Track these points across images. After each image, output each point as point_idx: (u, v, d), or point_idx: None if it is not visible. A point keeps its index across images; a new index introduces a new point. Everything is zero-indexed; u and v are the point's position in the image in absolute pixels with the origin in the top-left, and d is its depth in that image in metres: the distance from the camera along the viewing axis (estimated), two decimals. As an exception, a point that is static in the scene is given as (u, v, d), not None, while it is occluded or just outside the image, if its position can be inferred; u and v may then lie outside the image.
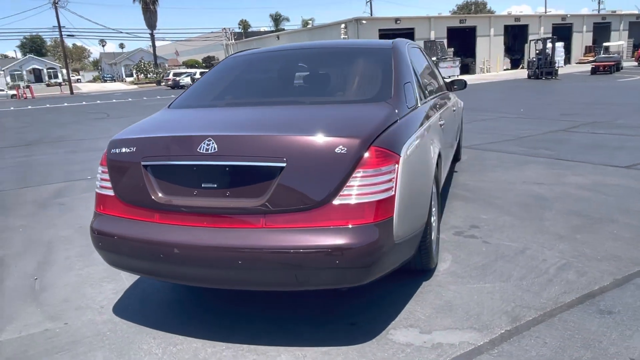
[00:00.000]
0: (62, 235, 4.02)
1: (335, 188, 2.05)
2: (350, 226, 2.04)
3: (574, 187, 4.54)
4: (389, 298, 2.64)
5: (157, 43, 64.02)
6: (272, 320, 2.48)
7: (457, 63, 32.29)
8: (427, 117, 2.90)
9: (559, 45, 28.39)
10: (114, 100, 28.35)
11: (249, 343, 2.28)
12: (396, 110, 2.49)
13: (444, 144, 3.34)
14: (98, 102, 28.29)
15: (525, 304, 2.49)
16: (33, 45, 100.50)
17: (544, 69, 24.44)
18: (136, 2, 55.52)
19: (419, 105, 2.94)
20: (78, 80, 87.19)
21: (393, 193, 2.13)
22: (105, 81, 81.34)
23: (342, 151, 2.07)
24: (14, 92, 49.60)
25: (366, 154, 2.09)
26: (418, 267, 2.79)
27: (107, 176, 2.43)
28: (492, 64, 36.30)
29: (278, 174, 2.08)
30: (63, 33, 50.93)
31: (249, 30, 74.10)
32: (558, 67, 25.58)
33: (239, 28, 76.98)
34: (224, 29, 48.59)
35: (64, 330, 2.50)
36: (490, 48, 36.13)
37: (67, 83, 50.82)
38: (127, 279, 3.03)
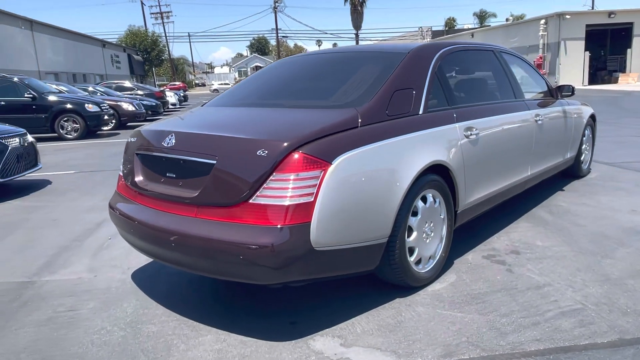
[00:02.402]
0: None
1: (254, 188, 2.16)
2: (260, 225, 2.13)
3: (692, 225, 3.60)
4: (348, 304, 2.61)
5: (361, 42, 67.42)
6: (230, 306, 2.68)
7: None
8: (424, 126, 2.71)
9: None
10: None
11: (194, 319, 2.53)
12: (360, 119, 2.43)
13: (472, 158, 3.03)
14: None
15: (476, 342, 2.21)
16: (259, 46, 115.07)
17: None
18: (347, 4, 58.83)
19: (421, 113, 2.77)
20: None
21: (312, 199, 2.14)
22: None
23: (263, 154, 2.16)
24: (235, 85, 57.94)
25: (286, 159, 2.14)
26: (392, 282, 2.68)
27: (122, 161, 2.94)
28: None
29: (210, 170, 2.28)
30: (279, 35, 57.42)
31: (455, 27, 72.44)
32: None
33: (444, 27, 75.78)
34: (420, 28, 48.53)
35: (89, 280, 3.10)
36: None
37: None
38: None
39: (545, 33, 27.84)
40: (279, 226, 2.11)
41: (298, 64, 3.45)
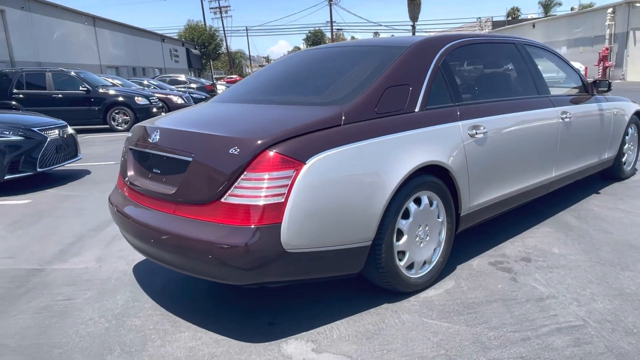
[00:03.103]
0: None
1: (225, 187, 2.13)
2: (229, 225, 2.10)
3: None
4: (333, 307, 2.53)
5: (417, 34, 65.84)
6: (218, 304, 2.67)
7: None
8: (419, 125, 2.57)
9: None
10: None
11: (178, 315, 2.54)
12: (343, 116, 2.34)
13: (478, 158, 2.85)
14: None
15: (455, 355, 2.08)
16: (315, 39, 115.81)
17: None
18: (405, -6, 57.36)
19: (417, 110, 2.63)
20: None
21: (283, 200, 2.08)
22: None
23: (235, 152, 2.12)
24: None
25: (258, 157, 2.09)
26: (381, 286, 2.58)
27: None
28: None
29: (187, 167, 2.27)
30: (334, 27, 57.22)
31: (519, 17, 69.51)
32: None
33: (505, 17, 72.85)
34: (479, 18, 46.94)
35: (93, 270, 3.20)
36: None
37: (330, 71, 57.23)
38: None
39: (613, 23, 26.07)
40: (248, 226, 2.07)
41: (303, 58, 3.37)
